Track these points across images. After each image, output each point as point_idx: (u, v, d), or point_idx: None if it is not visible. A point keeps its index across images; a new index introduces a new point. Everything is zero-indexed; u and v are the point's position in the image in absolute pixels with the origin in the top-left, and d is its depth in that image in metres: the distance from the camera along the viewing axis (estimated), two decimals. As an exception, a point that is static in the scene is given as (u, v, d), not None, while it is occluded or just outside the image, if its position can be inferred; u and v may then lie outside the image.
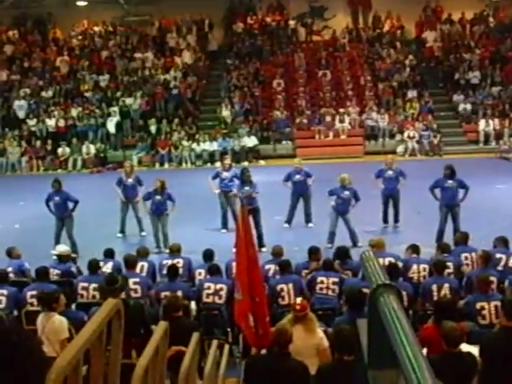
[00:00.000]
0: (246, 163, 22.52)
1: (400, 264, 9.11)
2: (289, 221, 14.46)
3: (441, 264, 8.57)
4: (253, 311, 6.44)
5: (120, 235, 14.25)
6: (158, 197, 13.18)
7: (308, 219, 14.41)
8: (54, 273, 9.73)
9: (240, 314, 6.67)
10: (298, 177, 14.35)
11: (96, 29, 31.51)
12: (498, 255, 9.06)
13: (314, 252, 9.78)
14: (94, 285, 8.66)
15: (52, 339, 6.44)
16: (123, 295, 8.19)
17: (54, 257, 10.60)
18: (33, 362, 1.66)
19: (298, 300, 6.93)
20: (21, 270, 9.77)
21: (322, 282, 8.76)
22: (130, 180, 14.34)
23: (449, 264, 8.89)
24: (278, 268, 9.16)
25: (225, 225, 14.22)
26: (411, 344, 1.42)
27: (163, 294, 8.65)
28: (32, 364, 1.66)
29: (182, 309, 7.04)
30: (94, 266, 9.08)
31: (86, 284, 8.85)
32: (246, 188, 13.28)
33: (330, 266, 9.05)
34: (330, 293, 8.66)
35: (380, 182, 14.19)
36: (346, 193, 12.97)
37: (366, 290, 7.48)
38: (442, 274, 8.42)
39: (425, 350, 5.87)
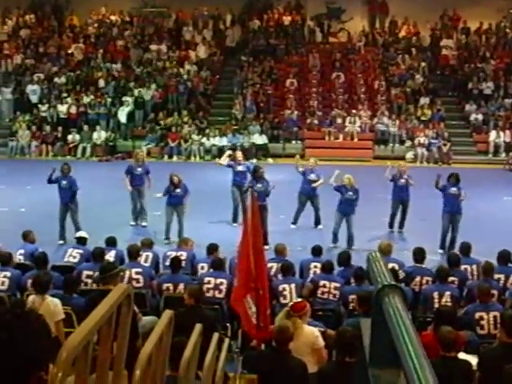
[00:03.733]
0: (254, 160, 22.57)
1: (403, 274, 9.11)
2: (295, 221, 14.47)
3: (444, 272, 8.58)
4: (257, 303, 6.52)
5: (133, 223, 14.36)
6: (178, 190, 13.33)
7: (317, 221, 14.41)
8: (74, 252, 10.03)
9: (235, 298, 6.79)
10: (312, 176, 14.33)
11: (113, 18, 31.54)
12: (496, 276, 8.93)
13: (317, 251, 9.87)
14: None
15: (47, 321, 6.50)
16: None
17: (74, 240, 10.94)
18: (41, 342, 1.70)
19: (299, 299, 6.99)
20: (32, 255, 9.75)
21: (324, 286, 8.75)
22: (140, 169, 14.43)
23: (453, 279, 8.87)
24: (280, 267, 9.21)
25: (235, 219, 14.29)
26: (414, 344, 1.46)
27: (165, 285, 8.71)
28: (41, 344, 1.70)
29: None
30: (98, 254, 9.15)
31: (90, 272, 8.91)
32: (259, 185, 13.30)
33: (330, 269, 9.03)
34: (331, 297, 8.65)
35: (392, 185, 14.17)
36: (350, 193, 13.05)
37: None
38: (444, 282, 8.43)
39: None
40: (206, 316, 6.64)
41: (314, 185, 14.18)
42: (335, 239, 13.05)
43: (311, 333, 6.56)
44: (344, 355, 5.47)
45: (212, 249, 9.72)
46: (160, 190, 13.55)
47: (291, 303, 6.86)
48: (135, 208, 14.45)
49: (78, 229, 12.54)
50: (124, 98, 26.43)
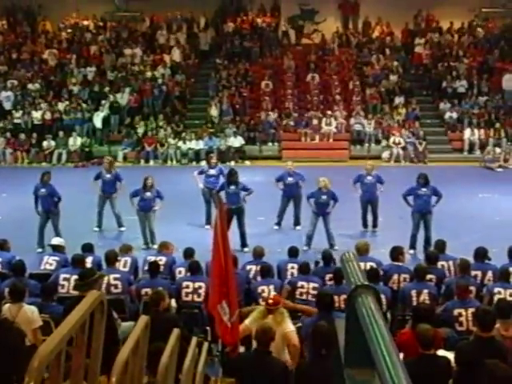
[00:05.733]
0: (232, 163, 22.57)
1: (380, 273, 9.16)
2: (279, 223, 14.57)
3: (422, 270, 8.64)
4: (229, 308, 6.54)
5: (97, 229, 14.37)
6: (149, 194, 13.32)
7: (296, 222, 14.52)
8: (50, 260, 9.94)
9: (211, 305, 6.82)
10: (290, 179, 14.46)
11: (86, 23, 31.37)
12: (473, 272, 8.98)
13: (293, 252, 9.90)
14: (75, 277, 8.68)
15: (24, 329, 6.46)
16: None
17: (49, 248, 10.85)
18: (15, 351, 1.68)
19: (272, 294, 7.04)
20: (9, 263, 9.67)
21: (302, 287, 8.75)
22: (109, 176, 14.52)
23: (431, 277, 8.93)
24: (259, 269, 9.22)
25: (208, 221, 14.32)
26: (387, 343, 1.46)
27: (144, 290, 8.67)
28: (14, 353, 1.68)
29: (164, 304, 7.12)
30: (78, 260, 9.10)
31: (67, 275, 8.88)
32: (232, 187, 13.36)
33: (307, 270, 9.06)
34: (309, 298, 8.64)
35: (358, 188, 14.35)
36: (324, 197, 13.11)
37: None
38: (422, 281, 8.48)
39: (401, 355, 5.93)
40: (165, 320, 6.59)
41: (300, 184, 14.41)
42: (309, 242, 13.07)
43: (284, 327, 6.62)
44: (319, 348, 5.61)
45: (188, 253, 9.71)
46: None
47: (265, 302, 6.94)
48: (100, 213, 14.53)
49: (57, 235, 12.47)
50: (101, 103, 26.25)
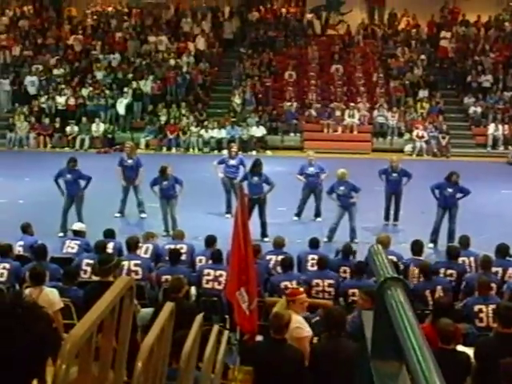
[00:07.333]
0: (253, 153, 22.57)
1: (401, 267, 9.13)
2: (298, 214, 14.50)
3: (428, 268, 8.54)
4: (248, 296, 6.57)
5: (118, 215, 14.45)
6: (165, 182, 13.36)
7: (317, 213, 14.46)
8: (72, 244, 10.09)
9: (229, 292, 6.85)
10: (311, 169, 14.37)
11: (111, 9, 31.46)
12: (494, 269, 8.91)
13: (314, 243, 9.86)
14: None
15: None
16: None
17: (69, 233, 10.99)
18: (41, 333, 1.69)
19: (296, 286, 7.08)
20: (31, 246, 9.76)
21: (317, 285, 8.64)
22: (130, 161, 14.60)
23: (452, 272, 8.88)
24: (279, 260, 9.21)
25: (228, 209, 14.33)
26: (417, 336, 1.46)
27: (164, 277, 8.71)
28: (41, 335, 1.70)
29: (183, 291, 7.14)
30: (100, 247, 9.17)
31: (90, 261, 8.93)
32: (255, 178, 13.36)
33: (324, 263, 8.97)
34: (326, 296, 8.59)
35: (384, 179, 14.26)
36: (341, 188, 13.02)
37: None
38: (430, 280, 8.36)
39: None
40: (184, 307, 6.62)
41: (322, 177, 14.27)
42: (331, 235, 13.00)
43: (294, 322, 6.52)
44: (331, 330, 5.78)
45: (210, 241, 9.73)
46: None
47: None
48: (124, 200, 14.62)
49: (80, 220, 12.58)
50: (124, 90, 26.33)
